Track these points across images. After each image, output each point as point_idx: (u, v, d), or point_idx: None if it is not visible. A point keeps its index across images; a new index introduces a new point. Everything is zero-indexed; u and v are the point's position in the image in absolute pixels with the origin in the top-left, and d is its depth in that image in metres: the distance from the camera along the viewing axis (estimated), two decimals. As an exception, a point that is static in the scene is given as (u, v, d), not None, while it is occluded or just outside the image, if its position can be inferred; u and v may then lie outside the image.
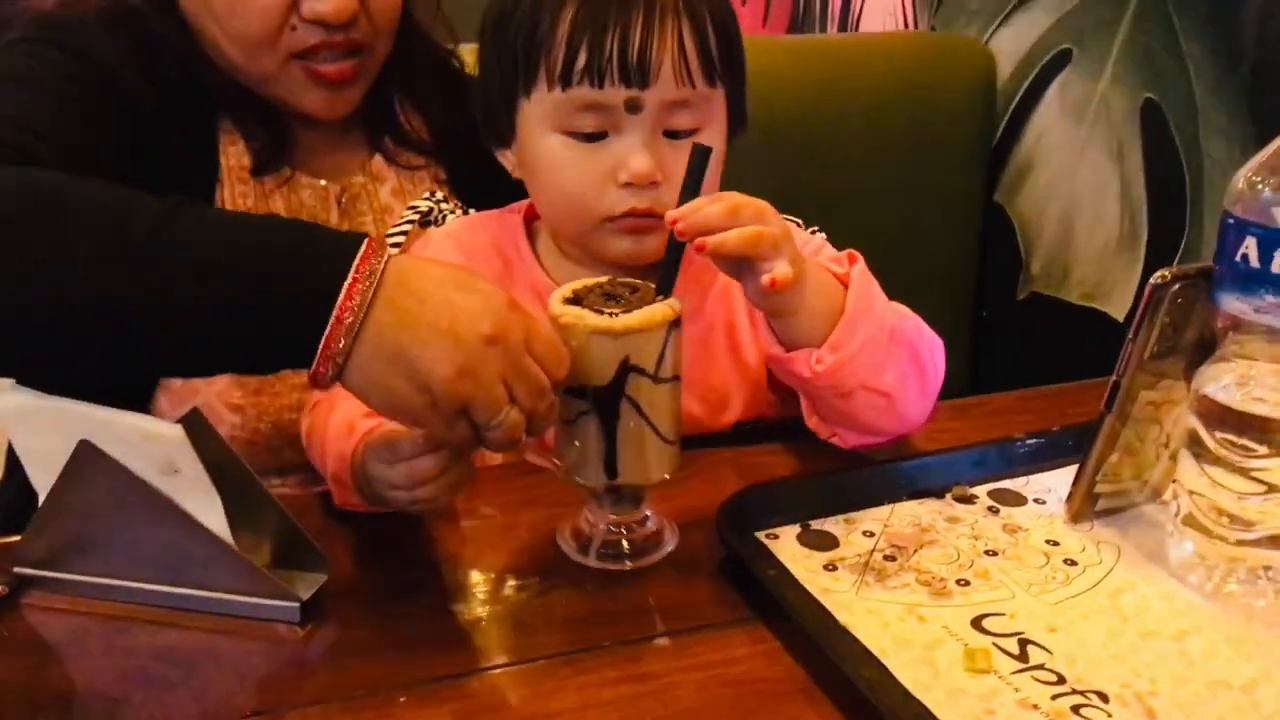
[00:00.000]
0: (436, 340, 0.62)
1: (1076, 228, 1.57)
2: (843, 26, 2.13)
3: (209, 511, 0.68)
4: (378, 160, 1.03)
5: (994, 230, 1.72)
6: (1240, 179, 0.63)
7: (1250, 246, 0.61)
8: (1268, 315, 0.61)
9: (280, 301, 0.63)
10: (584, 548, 0.75)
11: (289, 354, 0.64)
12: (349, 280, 0.62)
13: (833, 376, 0.76)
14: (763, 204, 0.73)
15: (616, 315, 0.67)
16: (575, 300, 0.69)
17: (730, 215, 0.70)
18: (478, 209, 1.04)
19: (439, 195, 0.96)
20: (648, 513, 0.76)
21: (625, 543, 0.74)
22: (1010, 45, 1.66)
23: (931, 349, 0.82)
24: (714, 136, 0.82)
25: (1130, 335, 0.69)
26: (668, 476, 0.73)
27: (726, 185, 0.90)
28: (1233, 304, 0.63)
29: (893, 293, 0.89)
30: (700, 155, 0.71)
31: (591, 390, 0.68)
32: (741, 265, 0.72)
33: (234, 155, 0.96)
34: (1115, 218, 1.50)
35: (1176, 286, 0.66)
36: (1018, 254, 1.68)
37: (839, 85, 1.66)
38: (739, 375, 0.90)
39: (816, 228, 0.94)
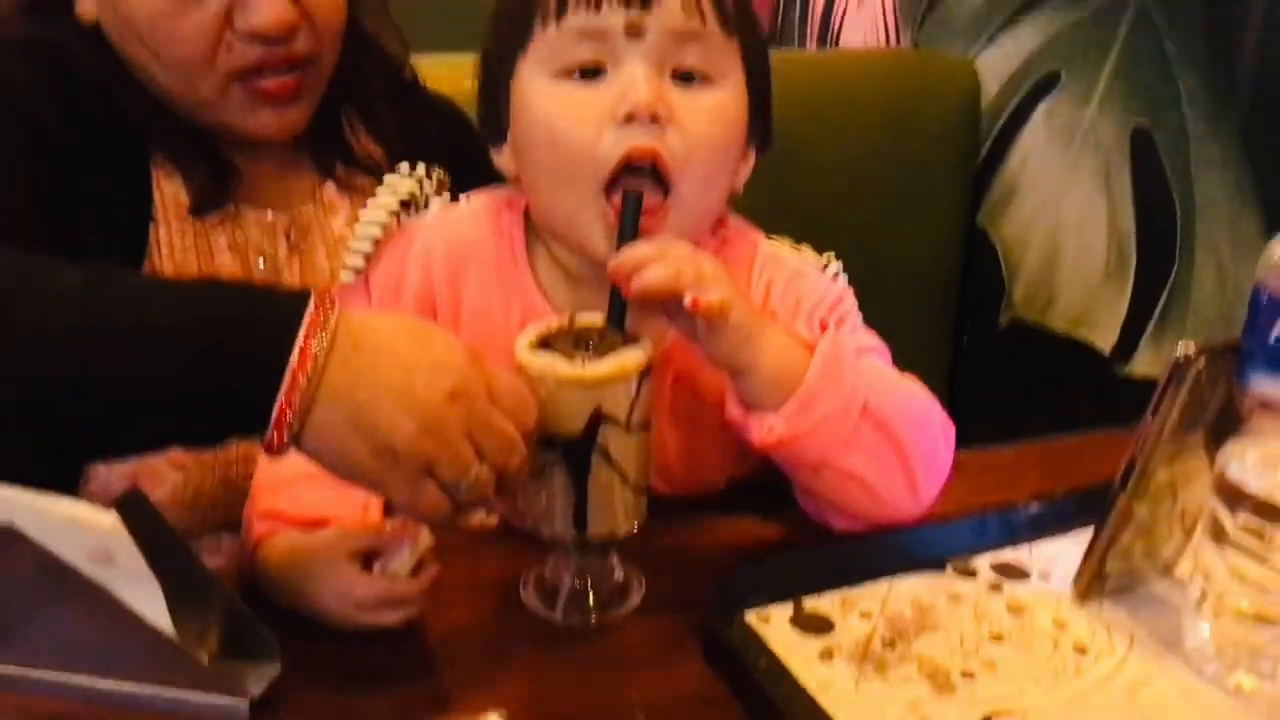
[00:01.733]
0: (395, 399, 0.58)
1: (1062, 255, 1.53)
2: (823, 39, 2.08)
3: (148, 601, 0.62)
4: (329, 187, 0.96)
5: (976, 254, 1.69)
6: (1275, 252, 0.59)
7: (1286, 328, 0.56)
8: (1303, 401, 0.57)
9: (226, 370, 0.58)
10: (549, 602, 0.72)
11: (240, 424, 0.60)
12: (299, 342, 0.58)
13: (787, 447, 0.72)
14: (702, 255, 0.69)
15: (587, 363, 0.63)
16: (542, 344, 0.66)
17: (659, 254, 0.67)
18: None
19: (420, 170, 0.85)
20: (615, 563, 0.73)
21: (592, 596, 0.72)
22: (996, 65, 1.63)
23: (923, 432, 0.76)
24: (731, 93, 0.74)
25: (1150, 412, 0.64)
26: (636, 528, 0.70)
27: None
28: (1264, 385, 0.59)
29: (870, 314, 0.85)
30: (634, 201, 0.68)
31: (561, 441, 0.65)
32: (672, 308, 0.68)
33: (169, 192, 0.88)
34: (1102, 246, 1.46)
35: (1201, 363, 0.62)
36: (1000, 279, 1.64)
37: (819, 102, 1.62)
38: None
39: (838, 270, 0.86)
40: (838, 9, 2.02)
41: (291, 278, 0.92)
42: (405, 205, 0.83)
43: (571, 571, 0.72)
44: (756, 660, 0.65)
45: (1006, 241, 1.63)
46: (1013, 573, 0.75)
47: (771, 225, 0.90)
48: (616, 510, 0.68)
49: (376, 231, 0.81)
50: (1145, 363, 1.42)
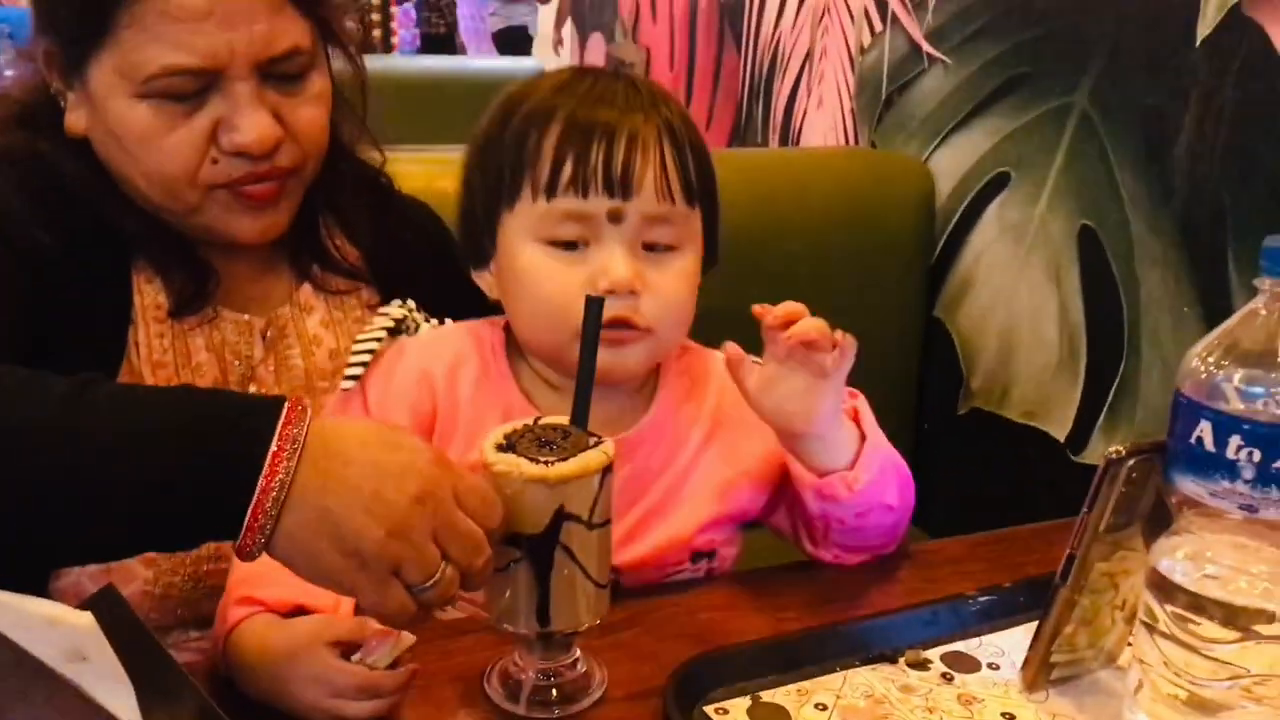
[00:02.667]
0: (364, 503, 0.61)
1: (1016, 347, 1.58)
2: (784, 137, 2.16)
3: (120, 701, 0.63)
4: (305, 289, 0.99)
5: (935, 344, 1.74)
6: (1192, 359, 0.63)
7: (1205, 431, 0.60)
8: (1223, 500, 0.60)
9: (201, 477, 0.61)
10: (513, 695, 0.73)
11: (213, 530, 0.62)
12: (272, 449, 0.60)
13: (862, 495, 0.85)
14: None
15: (552, 463, 0.66)
16: (508, 446, 0.68)
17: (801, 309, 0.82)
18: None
19: (410, 303, 0.92)
20: (577, 655, 0.75)
21: (554, 690, 0.73)
22: (949, 164, 1.70)
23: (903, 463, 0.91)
24: (691, 257, 0.86)
25: (1085, 509, 0.68)
26: (599, 621, 0.72)
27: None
28: (1187, 485, 0.62)
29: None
30: (595, 305, 0.72)
31: (525, 538, 0.68)
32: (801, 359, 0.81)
33: (149, 294, 0.90)
34: (1054, 339, 1.51)
35: (1131, 462, 0.66)
36: (958, 369, 1.69)
37: (782, 199, 1.68)
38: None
39: None
40: (799, 109, 2.11)
41: (267, 377, 0.94)
42: (397, 326, 0.90)
43: (534, 665, 0.73)
44: (715, 753, 0.67)
45: (963, 333, 1.69)
46: (963, 664, 0.78)
47: (737, 317, 0.95)
48: (579, 604, 0.70)
49: (373, 346, 0.87)
50: (1099, 452, 1.45)
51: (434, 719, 0.73)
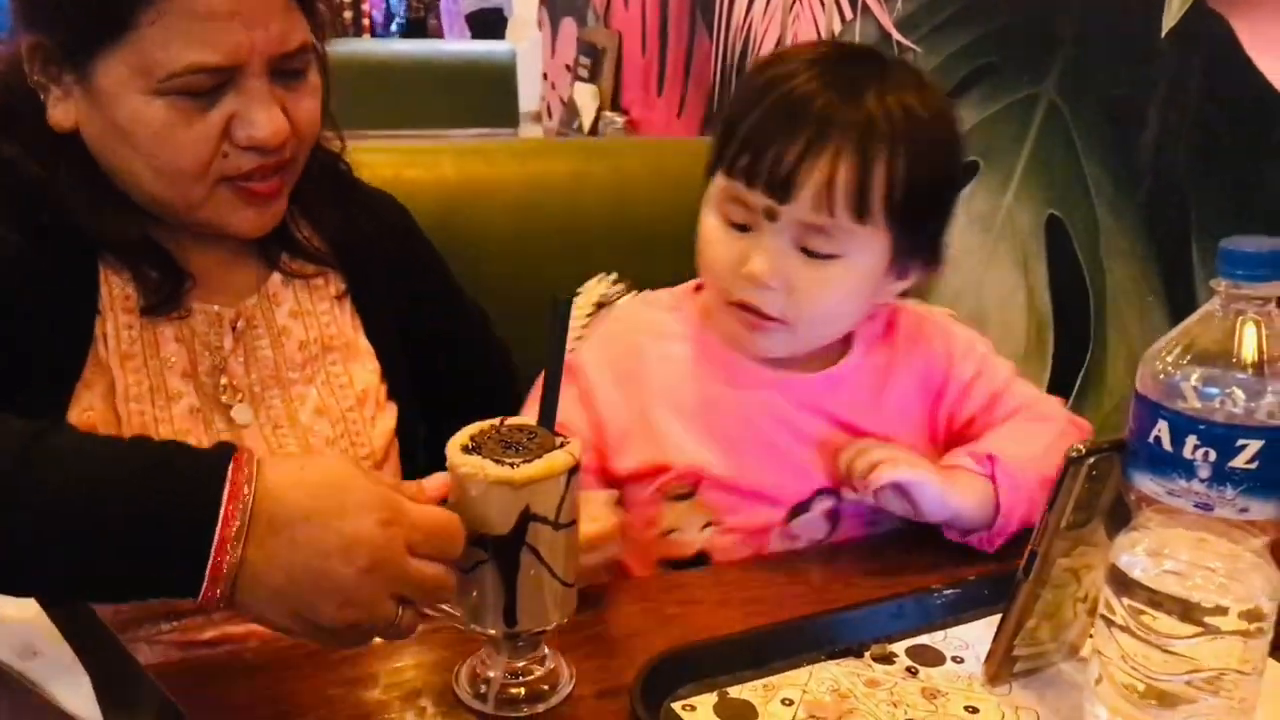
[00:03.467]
0: (313, 583, 0.63)
1: (985, 334, 1.59)
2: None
3: (75, 694, 0.63)
4: (274, 279, 0.99)
5: (905, 332, 1.74)
6: (1151, 359, 0.64)
7: (1162, 430, 0.61)
8: (1180, 498, 0.61)
9: (152, 563, 0.62)
10: (481, 694, 0.73)
11: (172, 594, 0.64)
12: (216, 537, 0.61)
13: (1004, 538, 0.91)
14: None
15: (517, 465, 0.66)
16: (474, 448, 0.68)
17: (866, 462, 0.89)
18: (380, 322, 1.04)
19: (610, 277, 1.03)
20: (545, 653, 0.75)
21: (523, 689, 0.73)
22: (919, 154, 1.70)
23: None
24: (855, 266, 0.88)
25: (1046, 506, 0.68)
26: (565, 620, 0.73)
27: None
28: (1146, 483, 0.63)
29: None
30: (561, 308, 0.71)
31: (491, 540, 0.68)
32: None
33: (117, 285, 0.91)
34: (1023, 327, 1.53)
35: (1091, 460, 0.66)
36: (928, 356, 1.70)
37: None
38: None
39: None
40: (770, 96, 2.10)
41: (237, 368, 0.95)
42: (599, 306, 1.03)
43: (503, 664, 0.73)
44: (681, 749, 0.68)
45: (933, 321, 1.69)
46: (928, 657, 0.78)
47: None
48: (546, 604, 0.71)
49: (580, 327, 0.99)
50: (1065, 440, 1.47)
51: (404, 718, 0.73)
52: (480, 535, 0.67)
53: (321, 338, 1.00)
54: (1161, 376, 0.62)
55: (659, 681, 0.73)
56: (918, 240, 0.90)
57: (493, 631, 0.71)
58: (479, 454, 0.67)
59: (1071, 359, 1.46)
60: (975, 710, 0.73)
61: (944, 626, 0.82)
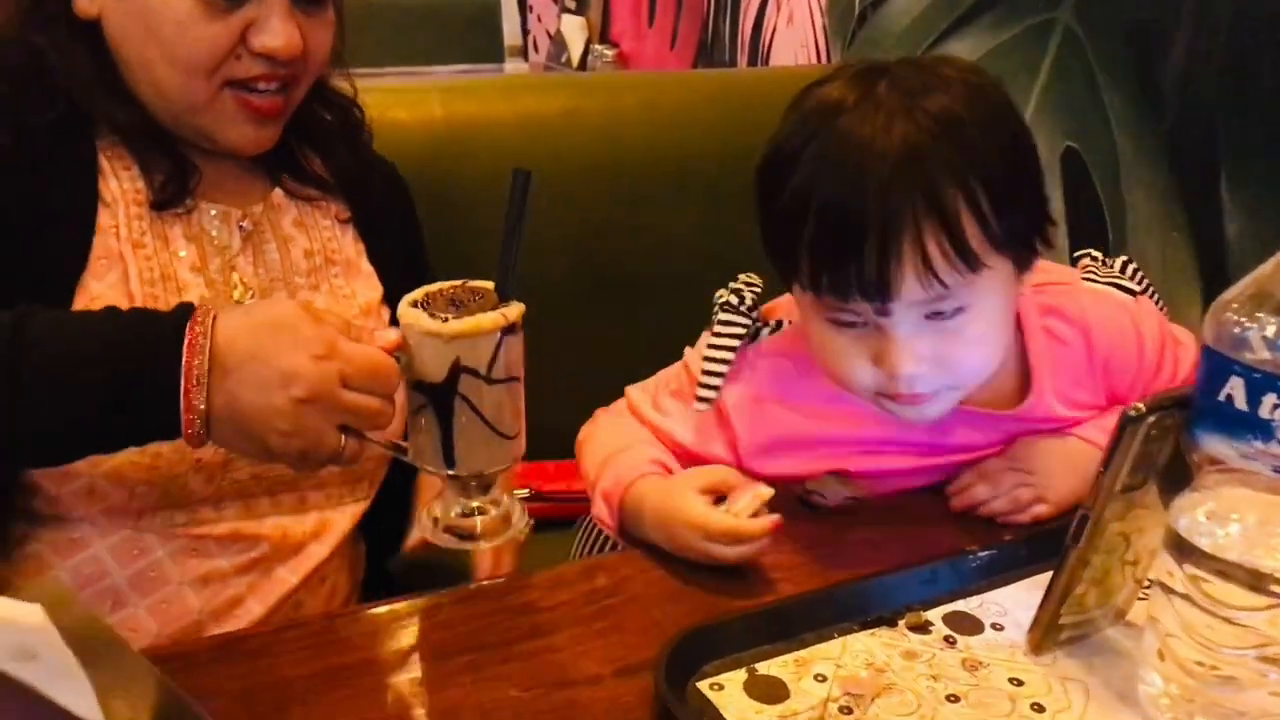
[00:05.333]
0: (261, 415, 0.72)
1: (996, 273, 1.54)
2: (753, 54, 2.08)
3: (76, 696, 0.58)
4: (277, 193, 1.01)
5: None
6: (1220, 309, 0.58)
7: (1236, 387, 0.56)
8: (1255, 461, 0.56)
9: (134, 400, 0.72)
10: (445, 528, 0.77)
11: (157, 435, 0.74)
12: (182, 379, 0.71)
13: None
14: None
15: (448, 320, 0.71)
16: (423, 302, 0.73)
17: (993, 491, 0.88)
18: (383, 250, 1.05)
19: (749, 299, 0.95)
20: (500, 496, 0.78)
21: (477, 524, 0.77)
22: (926, 84, 1.63)
23: None
24: (988, 305, 0.81)
25: (1101, 467, 0.64)
26: (507, 466, 0.76)
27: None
28: (1215, 444, 0.58)
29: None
30: (521, 178, 0.73)
31: (427, 386, 0.73)
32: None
33: (126, 179, 0.91)
34: (1037, 265, 1.47)
35: (1151, 419, 0.61)
36: (936, 295, 1.64)
37: (752, 122, 1.58)
38: None
39: (1142, 285, 0.97)
40: (767, 26, 2.02)
41: (246, 267, 0.97)
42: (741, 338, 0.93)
43: (458, 504, 0.77)
44: (712, 733, 0.63)
45: (941, 259, 1.64)
46: (966, 625, 0.74)
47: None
48: (481, 450, 0.74)
49: (724, 368, 0.92)
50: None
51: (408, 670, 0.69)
52: (420, 381, 0.73)
53: (324, 250, 1.02)
54: (1234, 329, 0.57)
55: (683, 659, 0.69)
56: (1034, 235, 0.83)
57: (431, 469, 0.75)
58: (425, 309, 0.72)
59: (1088, 297, 1.41)
60: (1020, 683, 0.69)
61: (980, 591, 0.78)
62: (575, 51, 3.04)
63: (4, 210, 0.85)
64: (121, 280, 0.88)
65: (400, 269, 1.06)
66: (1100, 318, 0.91)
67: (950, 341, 0.80)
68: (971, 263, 0.76)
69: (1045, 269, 0.94)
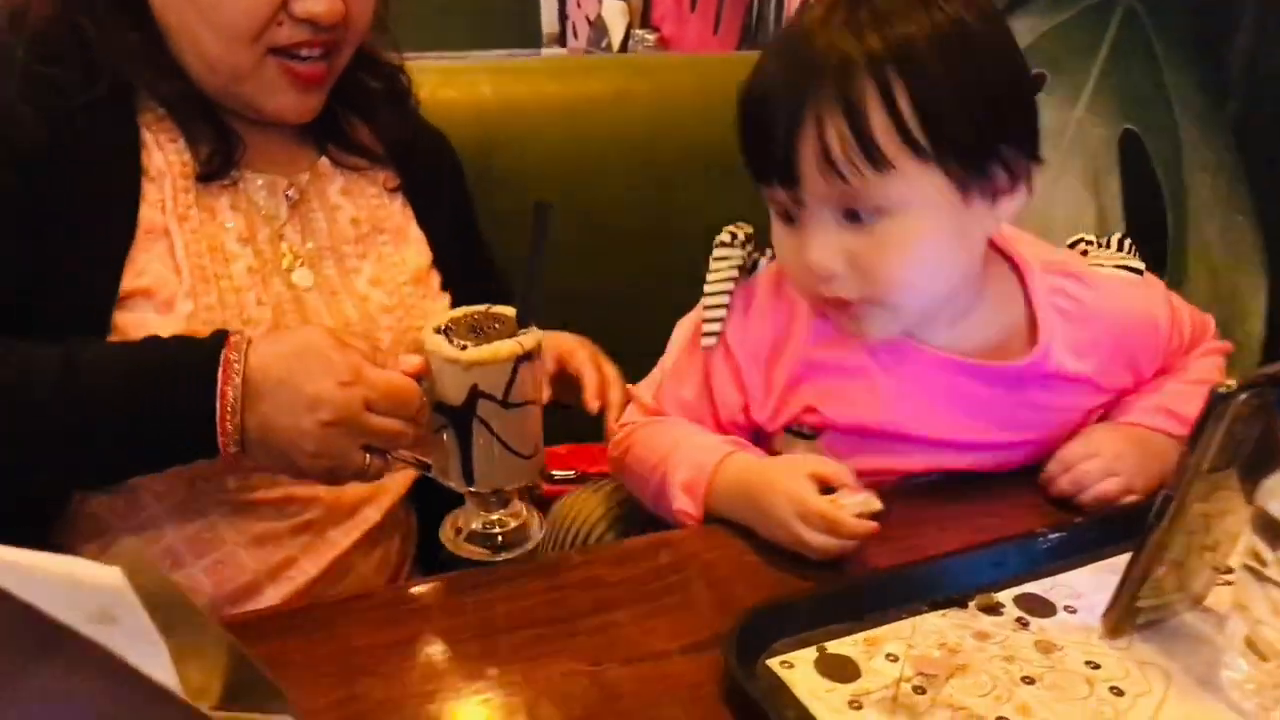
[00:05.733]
0: (290, 437, 0.77)
1: (1049, 258, 1.52)
2: (799, 39, 2.06)
3: (153, 660, 0.58)
4: (324, 161, 1.02)
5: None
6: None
7: (1336, 364, 0.54)
8: (1354, 440, 0.55)
9: (171, 429, 0.78)
10: (466, 538, 0.81)
11: (194, 457, 0.80)
12: (218, 411, 0.76)
13: None
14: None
15: (466, 348, 0.75)
16: (445, 329, 0.77)
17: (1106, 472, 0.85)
18: (432, 217, 1.06)
19: (740, 236, 0.94)
20: (519, 509, 0.82)
21: (499, 538, 0.81)
22: (979, 67, 1.61)
23: None
24: (914, 215, 0.78)
25: (1187, 448, 0.62)
26: (524, 483, 0.81)
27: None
28: (1310, 423, 0.57)
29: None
30: (541, 211, 0.77)
31: (448, 409, 0.77)
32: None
33: (172, 152, 0.92)
34: (1092, 250, 1.45)
35: (1242, 397, 0.60)
36: (985, 281, 1.62)
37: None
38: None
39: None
40: (815, 8, 2.00)
41: (294, 236, 0.97)
42: (740, 269, 0.93)
43: (478, 518, 0.81)
44: (784, 711, 0.63)
45: (992, 244, 1.62)
46: (1039, 608, 0.73)
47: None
48: (501, 471, 0.79)
49: (724, 299, 0.92)
50: (1138, 368, 1.41)
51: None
52: (441, 404, 0.77)
53: (372, 218, 1.02)
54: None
55: (752, 636, 0.68)
56: (984, 162, 0.78)
57: (453, 485, 0.79)
58: (447, 335, 0.76)
59: (1145, 283, 1.38)
60: (1097, 666, 0.67)
61: (1050, 574, 0.76)
62: (616, 36, 3.03)
63: (48, 193, 0.85)
64: (168, 253, 0.89)
65: (449, 235, 1.07)
66: (1115, 294, 0.91)
67: (867, 246, 0.78)
68: (875, 160, 0.75)
69: (1050, 250, 0.94)
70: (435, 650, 0.71)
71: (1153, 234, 1.36)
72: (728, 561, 0.80)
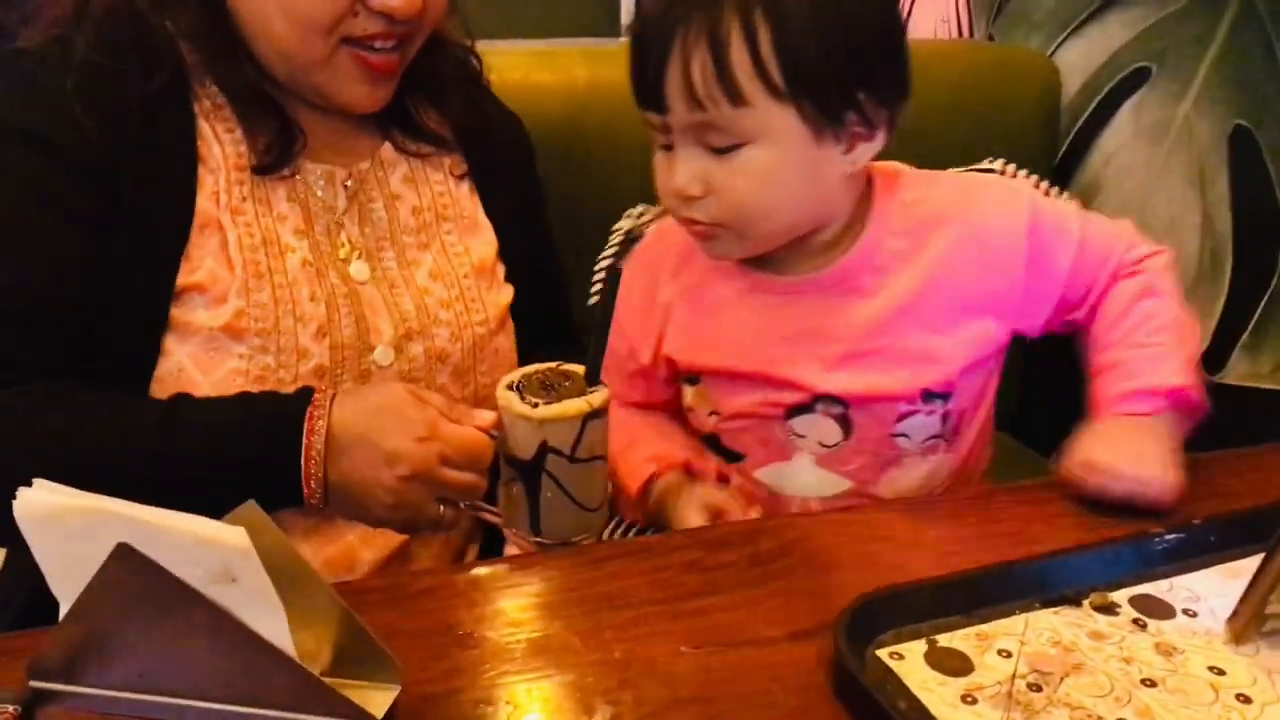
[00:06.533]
0: (370, 491, 0.80)
1: (1149, 258, 1.47)
2: (889, 29, 2.03)
3: (270, 622, 0.59)
4: (386, 148, 1.00)
5: (1052, 254, 1.63)
6: None
7: None
8: None
9: (261, 482, 0.76)
10: None
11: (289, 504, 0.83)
12: (302, 462, 0.80)
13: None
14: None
15: (537, 405, 0.78)
16: (517, 385, 0.80)
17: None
18: (499, 203, 1.05)
19: (645, 212, 1.00)
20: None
21: None
22: (1078, 60, 1.57)
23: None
24: (767, 149, 0.82)
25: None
26: (588, 539, 0.83)
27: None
28: None
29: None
30: (612, 278, 0.81)
31: (518, 462, 0.80)
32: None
33: (229, 143, 0.91)
34: (1195, 250, 1.41)
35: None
36: (1078, 280, 1.58)
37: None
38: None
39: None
40: (906, -1, 1.97)
41: (352, 229, 0.96)
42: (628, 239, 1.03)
43: None
44: (895, 701, 0.61)
45: (1086, 242, 1.58)
46: (1156, 609, 0.71)
47: None
48: (567, 523, 0.81)
49: (606, 263, 1.02)
50: (1239, 372, 1.37)
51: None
52: (512, 457, 0.80)
53: (435, 206, 1.01)
54: None
55: (861, 626, 0.67)
56: (840, 105, 0.82)
57: (520, 534, 0.82)
58: (518, 391, 0.79)
59: (1251, 289, 1.34)
60: (1221, 672, 0.65)
61: (1167, 575, 0.74)
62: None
63: (106, 191, 0.86)
64: (221, 248, 0.88)
65: (515, 222, 1.06)
66: (960, 185, 0.95)
67: (724, 173, 0.83)
68: (732, 94, 0.80)
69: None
70: (536, 626, 0.71)
71: (1262, 236, 1.32)
72: (829, 551, 0.78)
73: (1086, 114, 1.56)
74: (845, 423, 0.92)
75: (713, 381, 0.96)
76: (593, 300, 1.00)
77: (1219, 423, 0.93)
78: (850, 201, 0.90)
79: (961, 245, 0.90)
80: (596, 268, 1.03)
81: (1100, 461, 0.83)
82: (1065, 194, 1.57)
